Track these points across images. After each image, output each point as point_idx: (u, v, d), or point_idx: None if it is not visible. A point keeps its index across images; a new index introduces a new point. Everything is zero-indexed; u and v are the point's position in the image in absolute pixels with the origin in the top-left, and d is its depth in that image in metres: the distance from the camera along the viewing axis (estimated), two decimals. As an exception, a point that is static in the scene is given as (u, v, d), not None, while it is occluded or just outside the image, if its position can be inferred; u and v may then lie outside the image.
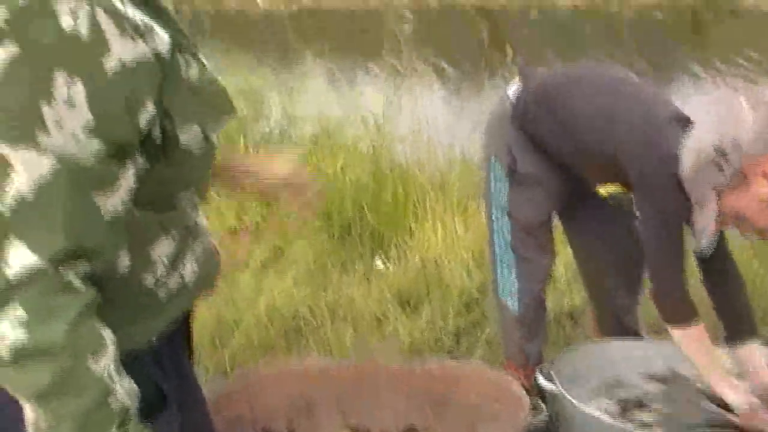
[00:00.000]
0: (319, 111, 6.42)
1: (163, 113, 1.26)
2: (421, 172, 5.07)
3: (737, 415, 2.50)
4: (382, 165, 5.03)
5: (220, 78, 1.47)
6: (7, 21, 1.10)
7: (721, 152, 2.14)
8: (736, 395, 2.54)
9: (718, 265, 2.73)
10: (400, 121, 5.77)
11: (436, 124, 6.51)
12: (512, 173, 2.98)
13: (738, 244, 3.13)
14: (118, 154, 1.18)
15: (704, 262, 2.70)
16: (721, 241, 2.67)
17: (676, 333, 2.64)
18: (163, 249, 1.39)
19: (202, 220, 1.56)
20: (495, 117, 3.10)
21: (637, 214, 2.66)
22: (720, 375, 2.60)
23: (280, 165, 1.90)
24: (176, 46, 1.28)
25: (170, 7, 1.37)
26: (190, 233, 1.46)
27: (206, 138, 1.37)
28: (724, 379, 2.59)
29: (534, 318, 3.09)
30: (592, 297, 3.35)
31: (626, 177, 2.66)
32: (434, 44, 10.12)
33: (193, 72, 1.34)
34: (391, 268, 4.26)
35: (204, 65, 1.38)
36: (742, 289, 2.79)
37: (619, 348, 2.96)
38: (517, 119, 2.96)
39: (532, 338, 3.10)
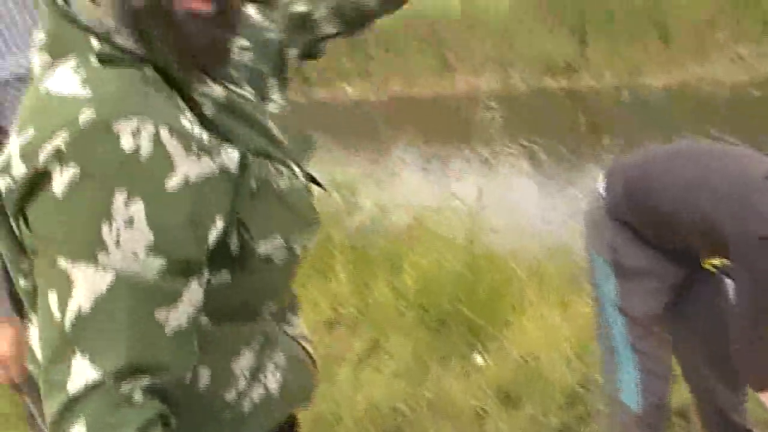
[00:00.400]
0: (411, 200, 6.46)
1: (240, 226, 1.28)
2: (516, 261, 5.04)
3: None
4: (476, 255, 5.02)
5: (312, 170, 1.51)
6: (68, 144, 1.13)
7: None
8: None
9: None
10: (494, 208, 5.78)
11: (530, 210, 6.50)
12: (619, 268, 2.93)
13: None
14: (181, 270, 1.20)
15: None
16: None
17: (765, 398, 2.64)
18: (245, 362, 1.41)
19: (292, 329, 1.57)
20: (590, 213, 3.07)
21: (734, 283, 2.63)
22: None
23: None
24: (263, 155, 1.33)
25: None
26: (269, 342, 1.47)
27: (290, 249, 1.38)
28: None
29: (656, 418, 3.00)
30: (693, 393, 3.27)
31: (723, 250, 2.62)
32: (525, 129, 10.15)
33: (283, 182, 1.37)
34: (489, 362, 4.23)
35: (294, 173, 1.41)
36: None
37: None
38: (612, 211, 2.92)
39: None
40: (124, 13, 1.26)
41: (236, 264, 1.31)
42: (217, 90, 1.34)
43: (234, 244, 1.29)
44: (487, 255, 5.06)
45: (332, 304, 5.04)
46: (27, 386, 2.47)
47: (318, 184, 1.52)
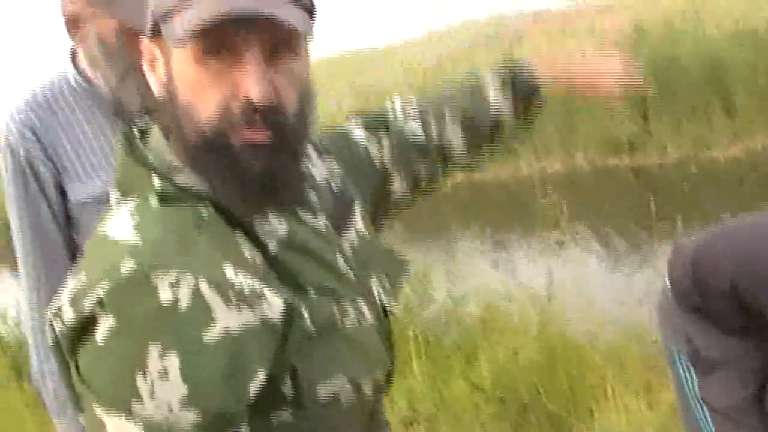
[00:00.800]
0: (482, 290, 6.44)
1: (292, 372, 1.27)
2: (594, 347, 4.98)
3: None
4: (552, 343, 4.96)
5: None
6: (108, 293, 1.15)
7: None
8: None
9: None
10: (566, 294, 5.74)
11: (603, 294, 6.44)
12: (696, 360, 2.82)
13: None
14: (217, 423, 1.19)
15: None
16: None
17: None
18: None
19: None
20: (660, 306, 2.96)
21: None
22: None
23: None
24: (329, 294, 1.34)
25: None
26: None
27: (357, 388, 1.36)
28: None
29: None
30: None
31: None
32: (592, 210, 10.11)
33: (350, 320, 1.37)
34: (574, 454, 4.17)
35: (362, 313, 1.40)
36: None
37: None
38: (680, 299, 2.83)
39: None
40: (181, 149, 1.32)
41: (295, 406, 1.29)
42: (280, 226, 1.35)
43: (287, 388, 1.28)
44: (563, 342, 5.01)
45: (409, 400, 5.00)
46: None
47: (389, 314, 1.50)
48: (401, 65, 19.11)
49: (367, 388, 1.38)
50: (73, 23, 2.27)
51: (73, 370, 1.21)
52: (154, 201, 1.28)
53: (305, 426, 1.31)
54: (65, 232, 2.36)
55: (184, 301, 1.17)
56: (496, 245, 9.30)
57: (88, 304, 1.16)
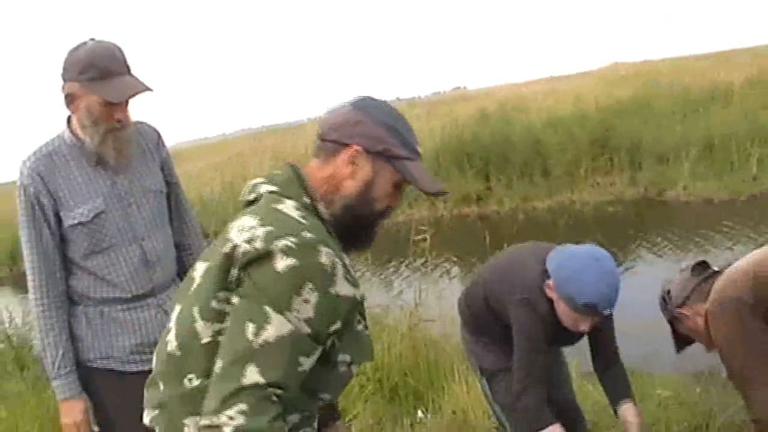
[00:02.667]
0: (368, 302, 6.47)
1: (337, 336, 1.54)
2: (447, 343, 5.07)
3: None
4: (417, 340, 5.04)
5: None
6: (295, 245, 1.45)
7: (663, 299, 2.31)
8: None
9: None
10: (429, 305, 5.80)
11: (455, 306, 6.54)
12: (483, 372, 2.88)
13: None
14: (316, 338, 1.47)
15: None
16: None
17: None
18: (292, 418, 1.56)
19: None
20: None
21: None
22: None
23: None
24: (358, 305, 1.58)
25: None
26: (309, 418, 1.63)
27: (349, 366, 1.61)
28: None
29: None
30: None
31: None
32: (450, 245, 10.28)
33: (361, 326, 1.62)
34: (429, 416, 4.23)
35: (366, 324, 1.65)
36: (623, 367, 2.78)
37: None
38: (464, 325, 2.93)
39: None
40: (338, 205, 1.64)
41: (321, 357, 1.52)
42: (347, 258, 1.59)
43: (328, 344, 1.52)
44: (424, 339, 5.08)
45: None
46: None
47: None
48: (309, 136, 19.12)
49: (353, 369, 1.63)
50: (70, 99, 2.35)
51: (243, 276, 1.48)
52: (302, 208, 1.57)
53: (317, 372, 1.53)
54: (60, 249, 2.42)
55: (331, 267, 1.47)
56: (378, 271, 9.39)
57: (277, 244, 1.44)
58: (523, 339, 2.55)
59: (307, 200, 1.59)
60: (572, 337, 2.72)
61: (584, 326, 2.50)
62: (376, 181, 1.65)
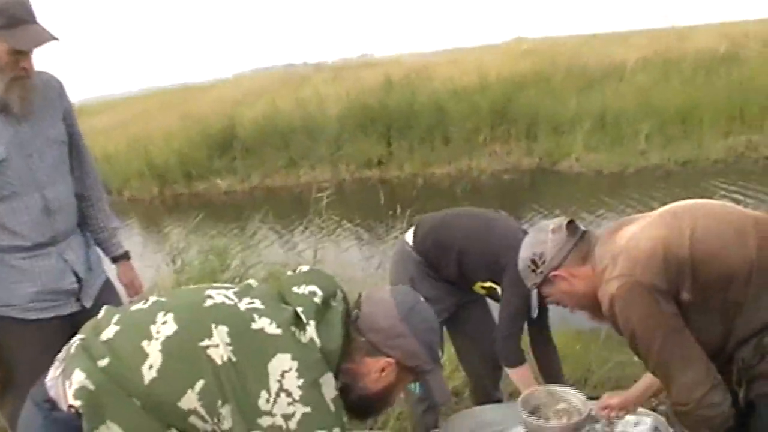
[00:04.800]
0: (267, 260, 6.52)
1: None
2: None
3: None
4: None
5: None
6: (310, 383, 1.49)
7: (533, 262, 2.21)
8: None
9: (542, 331, 3.09)
10: (328, 263, 5.91)
11: (353, 263, 6.66)
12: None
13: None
14: None
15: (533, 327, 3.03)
16: (545, 317, 3.02)
17: (510, 371, 2.93)
18: None
19: None
20: (397, 254, 3.16)
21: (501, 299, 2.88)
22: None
23: None
24: None
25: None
26: None
27: None
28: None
29: (430, 396, 3.00)
30: (469, 378, 3.42)
31: (498, 275, 2.85)
32: (350, 207, 10.37)
33: None
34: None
35: None
36: (555, 349, 3.16)
37: (488, 412, 2.96)
38: (417, 254, 3.03)
39: (430, 411, 3.14)
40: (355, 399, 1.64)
41: None
42: None
43: None
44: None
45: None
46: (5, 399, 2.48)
47: None
48: (216, 97, 18.76)
49: None
50: None
51: None
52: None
53: None
54: None
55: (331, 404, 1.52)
56: (279, 230, 9.39)
57: None
58: (518, 297, 2.75)
59: (338, 382, 1.58)
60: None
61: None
62: (398, 386, 1.70)
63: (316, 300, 1.60)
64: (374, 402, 1.68)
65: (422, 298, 1.75)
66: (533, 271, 2.20)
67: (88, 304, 2.58)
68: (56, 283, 2.50)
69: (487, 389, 3.31)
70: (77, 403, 1.48)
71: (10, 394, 2.41)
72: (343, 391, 1.58)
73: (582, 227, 2.20)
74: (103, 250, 2.86)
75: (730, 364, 1.93)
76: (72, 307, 2.55)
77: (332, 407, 1.51)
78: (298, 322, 1.55)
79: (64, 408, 1.51)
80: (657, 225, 1.97)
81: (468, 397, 3.58)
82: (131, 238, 10.02)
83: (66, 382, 1.53)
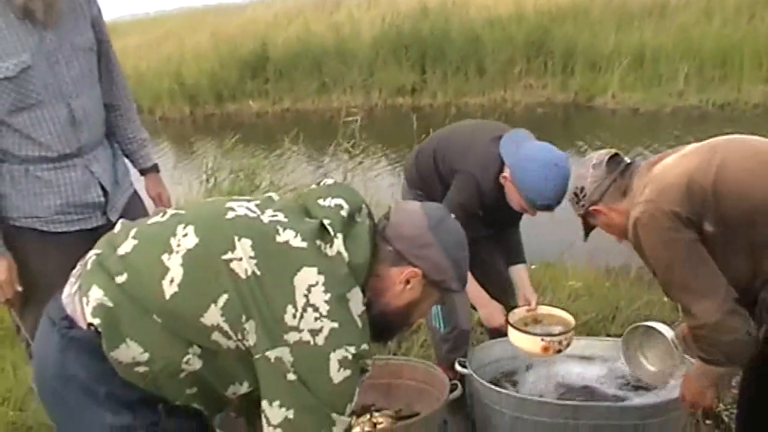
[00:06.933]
0: (296, 180, 6.49)
1: None
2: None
3: None
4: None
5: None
6: (354, 356, 1.43)
7: (576, 195, 2.20)
8: (484, 309, 2.83)
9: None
10: (357, 185, 5.84)
11: (382, 186, 6.62)
12: None
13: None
14: None
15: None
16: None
17: None
18: None
19: None
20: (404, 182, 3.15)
21: None
22: (482, 297, 2.82)
23: None
24: None
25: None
26: None
27: None
28: (481, 298, 2.82)
29: (457, 339, 2.97)
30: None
31: None
32: (381, 133, 10.27)
33: None
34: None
35: None
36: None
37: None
38: (409, 179, 3.05)
39: (456, 350, 2.97)
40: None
41: None
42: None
43: None
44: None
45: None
46: (16, 303, 2.44)
47: None
48: (249, 19, 18.47)
49: None
50: None
51: None
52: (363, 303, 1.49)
53: None
54: None
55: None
56: (309, 152, 9.35)
57: (338, 355, 1.42)
58: (454, 206, 2.61)
59: (365, 297, 1.50)
60: (512, 218, 2.96)
61: (531, 214, 2.78)
62: (421, 304, 1.61)
63: (343, 213, 1.52)
64: (395, 319, 1.60)
65: (454, 216, 1.67)
66: (576, 203, 2.21)
67: (114, 217, 2.51)
68: (81, 195, 2.43)
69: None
70: (96, 321, 1.42)
71: (32, 308, 2.37)
72: (366, 307, 1.49)
73: (626, 159, 2.17)
74: (132, 161, 2.79)
75: (754, 305, 1.92)
76: (98, 221, 2.49)
77: (359, 323, 1.45)
78: (324, 235, 1.47)
79: (83, 325, 1.45)
80: (690, 156, 1.99)
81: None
82: (162, 156, 10.01)
83: (83, 299, 1.47)
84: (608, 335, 3.50)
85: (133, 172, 2.78)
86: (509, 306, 2.93)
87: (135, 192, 2.72)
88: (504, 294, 3.02)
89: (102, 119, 2.56)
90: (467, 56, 12.71)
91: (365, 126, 6.66)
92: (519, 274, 3.04)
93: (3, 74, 2.22)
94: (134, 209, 2.62)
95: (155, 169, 2.87)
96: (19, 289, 2.39)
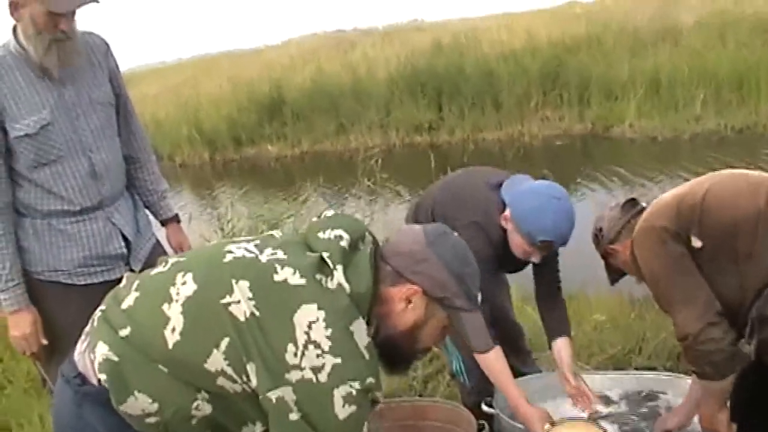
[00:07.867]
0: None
1: None
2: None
3: None
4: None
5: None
6: (358, 392, 1.39)
7: (596, 236, 2.36)
8: (526, 409, 2.46)
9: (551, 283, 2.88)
10: (378, 224, 5.88)
11: (401, 224, 6.55)
12: None
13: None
14: None
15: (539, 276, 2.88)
16: (553, 266, 2.84)
17: (480, 358, 2.55)
18: None
19: None
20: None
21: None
22: (517, 392, 2.51)
23: None
24: None
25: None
26: None
27: None
28: (520, 397, 2.50)
29: (482, 385, 2.83)
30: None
31: None
32: (400, 171, 10.28)
33: None
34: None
35: None
36: (563, 304, 2.88)
37: (533, 381, 2.90)
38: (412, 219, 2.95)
39: (482, 393, 2.83)
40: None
41: None
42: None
43: None
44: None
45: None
46: (42, 356, 2.46)
47: None
48: (264, 62, 18.73)
49: None
50: (14, 7, 2.25)
51: None
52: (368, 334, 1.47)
53: None
54: (6, 161, 2.33)
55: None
56: (330, 194, 9.36)
57: (342, 392, 1.39)
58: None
59: (370, 328, 1.48)
60: (518, 264, 2.82)
61: (535, 258, 2.65)
62: (426, 325, 1.57)
63: (343, 244, 1.50)
64: (402, 344, 1.55)
65: (457, 234, 1.64)
66: (597, 244, 2.37)
67: (137, 267, 2.54)
68: (104, 247, 2.47)
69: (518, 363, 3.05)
70: (102, 377, 1.44)
71: (57, 360, 2.36)
72: (375, 335, 1.48)
73: (642, 204, 2.29)
74: (153, 213, 2.83)
75: (745, 326, 1.98)
76: (121, 272, 2.51)
77: (366, 355, 1.42)
78: (324, 269, 1.46)
79: (94, 382, 1.48)
80: (684, 185, 2.14)
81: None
82: (182, 203, 10.08)
83: (91, 355, 1.49)
84: (636, 369, 3.45)
85: (154, 223, 2.82)
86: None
87: (157, 241, 2.75)
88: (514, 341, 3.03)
89: (122, 171, 2.60)
90: (483, 91, 12.73)
91: (385, 165, 6.67)
92: (560, 351, 2.79)
93: (24, 131, 2.28)
94: (157, 259, 2.64)
95: (176, 219, 2.90)
96: (45, 342, 2.42)
